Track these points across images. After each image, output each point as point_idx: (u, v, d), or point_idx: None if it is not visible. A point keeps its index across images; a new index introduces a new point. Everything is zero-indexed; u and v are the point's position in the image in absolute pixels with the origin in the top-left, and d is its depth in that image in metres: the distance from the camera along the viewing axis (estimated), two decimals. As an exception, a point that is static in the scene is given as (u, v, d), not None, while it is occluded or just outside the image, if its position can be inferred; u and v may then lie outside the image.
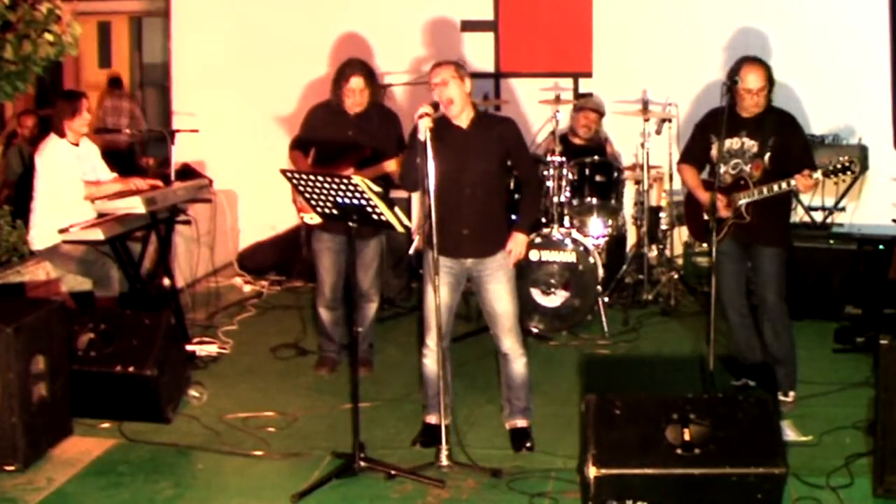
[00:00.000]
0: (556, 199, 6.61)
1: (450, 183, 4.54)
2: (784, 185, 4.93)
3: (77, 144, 5.92)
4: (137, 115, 11.71)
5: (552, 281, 6.47)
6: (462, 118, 4.65)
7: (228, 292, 7.56)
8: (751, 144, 5.07)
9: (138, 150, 11.46)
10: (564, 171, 6.66)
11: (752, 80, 4.99)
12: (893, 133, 7.34)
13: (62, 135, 5.85)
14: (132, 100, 11.94)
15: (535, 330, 6.46)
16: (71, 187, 5.75)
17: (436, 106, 4.51)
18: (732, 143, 5.11)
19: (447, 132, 4.57)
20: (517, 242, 4.74)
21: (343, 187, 4.35)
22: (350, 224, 4.52)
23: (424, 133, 4.39)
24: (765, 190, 4.98)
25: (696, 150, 5.29)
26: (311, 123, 5.67)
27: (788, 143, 5.04)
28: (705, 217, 5.17)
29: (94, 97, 11.86)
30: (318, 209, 4.58)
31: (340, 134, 5.55)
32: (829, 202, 7.20)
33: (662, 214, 7.38)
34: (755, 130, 5.07)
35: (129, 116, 11.67)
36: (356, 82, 5.48)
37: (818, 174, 4.86)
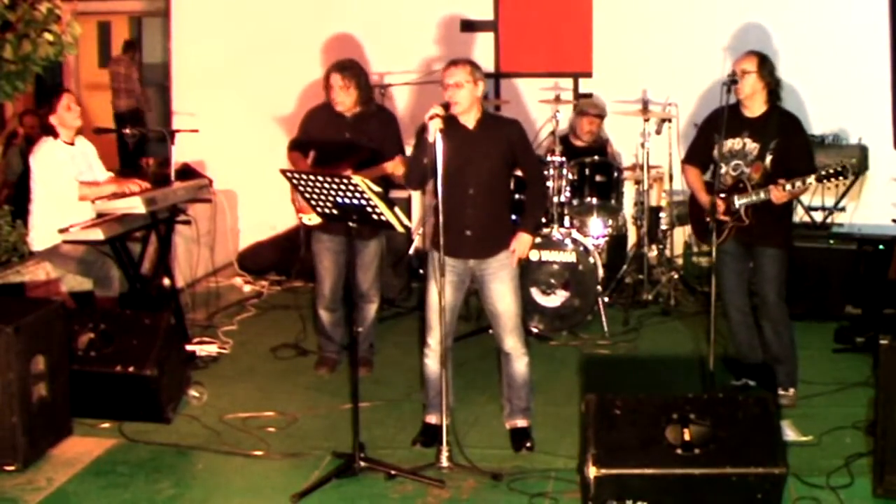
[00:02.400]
0: (556, 199, 6.61)
1: (454, 184, 4.53)
2: (763, 194, 4.95)
3: (72, 143, 5.92)
4: (133, 82, 11.76)
5: (552, 281, 6.47)
6: (468, 119, 4.64)
7: (228, 292, 7.56)
8: (752, 147, 5.07)
9: (142, 149, 11.48)
10: (564, 171, 6.67)
11: (738, 63, 5.08)
12: (893, 133, 7.34)
13: (55, 135, 5.85)
14: (130, 65, 11.96)
15: (535, 330, 6.46)
16: (66, 188, 5.75)
17: (446, 106, 4.49)
18: (734, 144, 5.11)
19: (453, 132, 4.54)
20: (521, 242, 4.73)
21: (343, 187, 4.35)
22: (350, 224, 4.52)
23: (434, 134, 4.38)
24: (762, 194, 4.98)
25: (699, 150, 5.29)
26: (309, 125, 5.68)
27: (789, 146, 5.04)
28: (707, 218, 5.18)
29: (93, 97, 11.90)
30: (318, 209, 4.58)
31: (337, 136, 5.55)
32: (829, 202, 7.20)
33: (662, 214, 7.38)
34: (758, 131, 5.07)
35: (124, 83, 11.74)
36: (334, 79, 5.49)
37: (812, 179, 4.87)
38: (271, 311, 7.16)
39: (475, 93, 4.58)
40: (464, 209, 4.61)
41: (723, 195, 5.08)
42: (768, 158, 5.04)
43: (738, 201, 5.06)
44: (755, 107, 5.10)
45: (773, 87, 5.10)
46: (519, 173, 5.39)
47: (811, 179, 4.88)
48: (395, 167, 5.41)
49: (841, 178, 4.89)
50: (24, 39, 6.06)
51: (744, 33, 7.35)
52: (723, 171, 5.13)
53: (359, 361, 5.11)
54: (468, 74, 4.56)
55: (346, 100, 5.51)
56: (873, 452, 4.27)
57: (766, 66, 5.06)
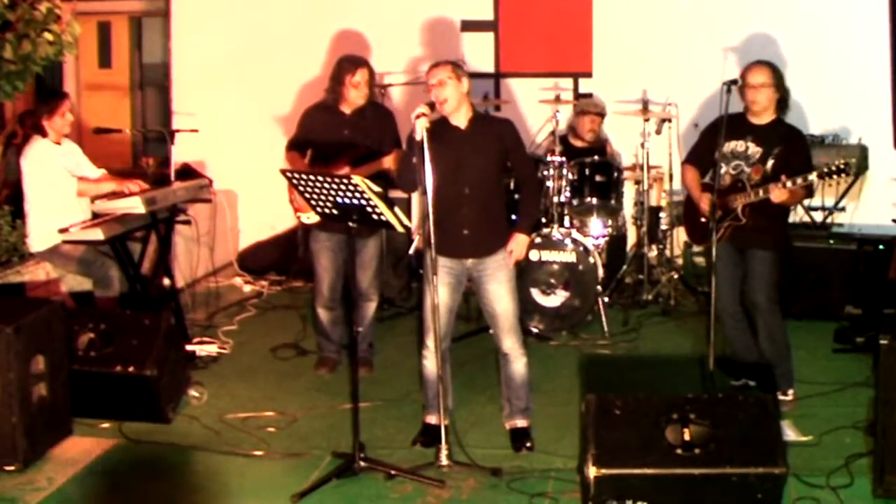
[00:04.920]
0: (556, 199, 6.61)
1: (448, 183, 4.54)
2: (762, 192, 4.94)
3: (59, 143, 5.93)
4: None
5: (552, 281, 6.47)
6: (460, 118, 4.64)
7: (228, 292, 7.56)
8: (755, 150, 5.08)
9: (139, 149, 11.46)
10: (564, 171, 6.67)
11: (753, 75, 5.06)
12: (893, 133, 7.33)
13: (44, 134, 5.86)
14: None
15: (535, 330, 6.46)
16: (62, 184, 5.76)
17: (432, 106, 4.51)
18: (737, 146, 5.12)
19: (445, 132, 4.57)
20: (518, 243, 4.74)
21: (343, 187, 4.35)
22: (350, 224, 4.52)
23: (421, 133, 4.39)
24: (760, 192, 4.97)
25: (701, 152, 5.29)
26: (307, 124, 5.68)
27: (791, 154, 5.04)
28: (702, 220, 5.18)
29: (93, 97, 11.89)
30: (318, 209, 4.58)
31: (336, 133, 5.56)
32: (829, 202, 7.19)
33: (662, 214, 7.38)
34: (761, 137, 5.08)
35: None
36: (362, 74, 5.51)
37: (813, 176, 4.85)
38: (271, 311, 7.16)
39: (460, 89, 4.59)
40: (459, 209, 4.62)
41: (721, 194, 5.08)
42: (769, 163, 5.05)
43: (737, 200, 5.06)
44: (764, 115, 5.11)
45: (783, 96, 5.11)
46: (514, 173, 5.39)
47: (812, 176, 4.85)
48: (393, 162, 5.41)
49: (843, 174, 4.87)
50: (24, 39, 6.05)
51: (744, 33, 7.36)
52: (722, 170, 5.13)
53: (359, 361, 5.11)
54: (450, 72, 4.57)
55: (367, 94, 5.53)
56: (873, 452, 4.28)
57: (778, 76, 5.08)
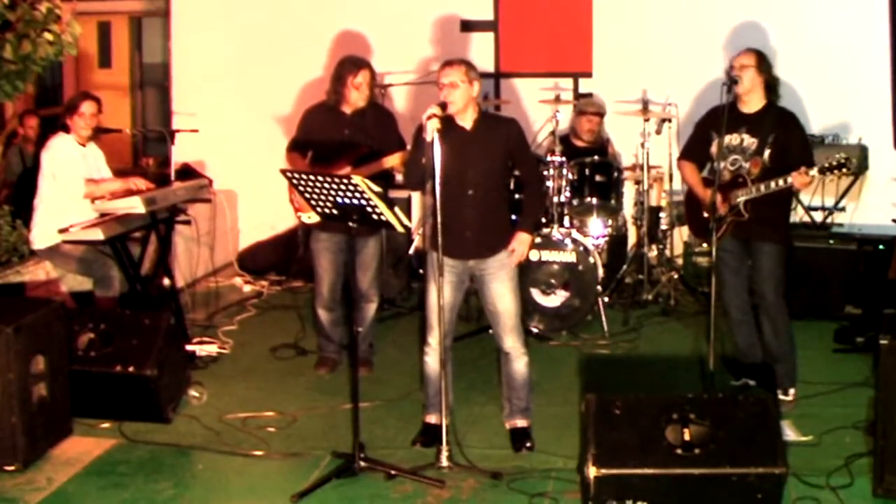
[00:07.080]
0: (556, 199, 6.61)
1: (452, 185, 4.54)
2: (781, 182, 4.93)
3: (84, 145, 5.95)
4: None
5: (552, 281, 6.47)
6: (465, 119, 4.64)
7: (228, 292, 7.57)
8: (750, 142, 5.08)
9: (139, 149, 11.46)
10: (564, 171, 6.67)
11: (737, 59, 5.09)
12: (893, 133, 7.33)
13: (69, 132, 5.88)
14: None
15: (535, 330, 6.46)
16: (73, 184, 5.77)
17: (443, 106, 4.50)
18: (732, 140, 5.12)
19: (451, 133, 4.55)
20: (521, 242, 4.74)
21: (343, 187, 4.35)
22: (350, 224, 4.52)
23: (432, 134, 4.38)
24: (762, 187, 4.99)
25: (696, 147, 5.31)
26: (308, 125, 5.68)
27: (788, 140, 5.04)
28: (705, 215, 5.18)
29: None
30: (319, 209, 4.58)
31: (337, 133, 5.57)
32: (829, 202, 7.20)
33: (662, 214, 7.39)
34: (755, 127, 5.08)
35: None
36: (364, 76, 5.52)
37: (814, 171, 4.85)
38: (271, 311, 7.16)
39: (470, 92, 4.58)
40: (463, 210, 4.61)
41: (722, 190, 5.08)
42: (766, 153, 5.06)
43: (739, 196, 5.06)
44: (753, 102, 5.11)
45: (771, 84, 5.12)
46: (518, 173, 5.39)
47: (813, 172, 4.86)
48: (399, 161, 5.42)
49: (844, 169, 4.87)
50: (24, 39, 6.05)
51: (744, 33, 7.35)
52: (721, 167, 5.13)
53: (359, 361, 5.11)
54: (463, 74, 4.55)
55: (367, 95, 5.54)
56: (873, 452, 4.27)
57: (764, 62, 5.09)
